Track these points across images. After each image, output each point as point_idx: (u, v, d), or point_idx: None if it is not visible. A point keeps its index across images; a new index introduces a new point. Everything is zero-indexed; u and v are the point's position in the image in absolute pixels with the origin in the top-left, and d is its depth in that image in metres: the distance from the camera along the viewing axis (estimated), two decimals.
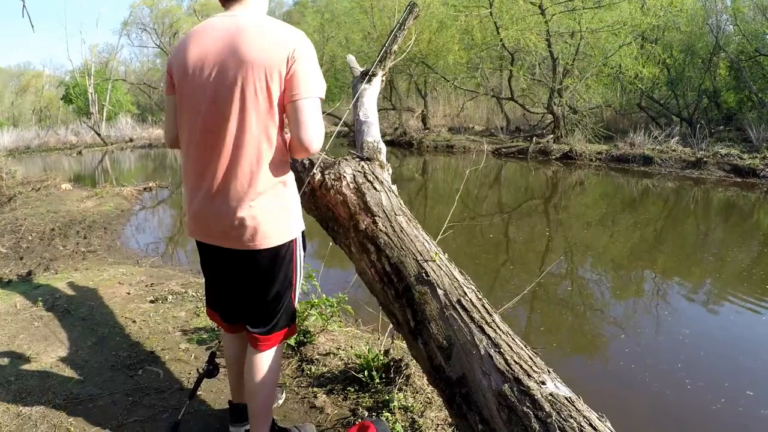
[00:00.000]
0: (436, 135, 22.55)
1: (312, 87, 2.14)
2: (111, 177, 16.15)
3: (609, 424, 1.78)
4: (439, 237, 3.65)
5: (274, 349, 2.48)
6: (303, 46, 2.14)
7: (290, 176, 2.33)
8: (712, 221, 10.12)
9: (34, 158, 22.94)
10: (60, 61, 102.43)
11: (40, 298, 5.06)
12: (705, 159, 14.04)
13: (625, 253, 7.98)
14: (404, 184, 14.63)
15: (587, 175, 14.74)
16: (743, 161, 13.54)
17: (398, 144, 22.24)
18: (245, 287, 2.43)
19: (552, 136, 18.74)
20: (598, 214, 10.80)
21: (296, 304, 2.53)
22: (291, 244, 2.35)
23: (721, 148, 14.54)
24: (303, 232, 2.46)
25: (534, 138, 18.73)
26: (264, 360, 2.47)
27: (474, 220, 9.81)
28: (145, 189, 12.94)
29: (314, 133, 2.14)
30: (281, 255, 2.33)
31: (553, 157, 17.02)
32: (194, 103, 2.21)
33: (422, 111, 25.35)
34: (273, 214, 2.24)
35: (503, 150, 18.61)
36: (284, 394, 3.34)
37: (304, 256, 2.50)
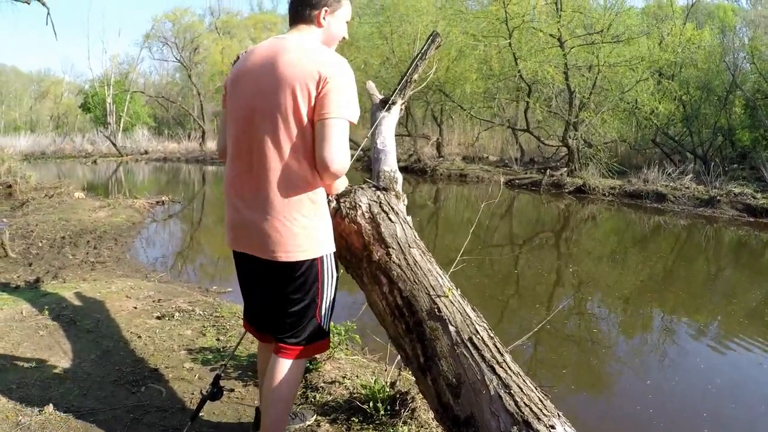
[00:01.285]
0: (450, 163, 22.59)
1: (342, 109, 2.21)
2: (124, 188, 16.21)
3: None
4: (450, 270, 3.63)
5: (293, 361, 2.52)
6: (339, 70, 2.24)
7: (320, 195, 2.38)
8: (724, 260, 10.05)
9: (48, 164, 23.14)
10: (80, 69, 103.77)
11: (46, 307, 5.04)
12: (718, 197, 13.97)
13: (635, 289, 7.91)
14: (416, 211, 14.58)
15: (599, 210, 14.70)
16: (756, 201, 13.48)
17: (412, 170, 22.26)
18: (271, 296, 2.53)
19: (566, 169, 18.72)
20: (609, 250, 10.75)
21: (324, 324, 2.55)
22: (315, 262, 2.40)
23: (735, 187, 14.47)
24: (334, 254, 2.50)
25: (548, 170, 18.72)
26: (282, 368, 2.51)
27: (485, 253, 9.76)
28: (157, 202, 12.98)
29: (336, 153, 2.20)
30: (305, 271, 2.40)
31: (566, 190, 16.99)
32: (236, 117, 2.38)
33: (437, 139, 25.43)
34: (298, 229, 2.32)
35: (516, 181, 18.61)
36: (314, 418, 3.31)
37: (336, 278, 2.53)
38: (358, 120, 2.30)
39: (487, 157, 24.92)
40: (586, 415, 4.35)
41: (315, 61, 2.23)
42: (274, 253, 2.35)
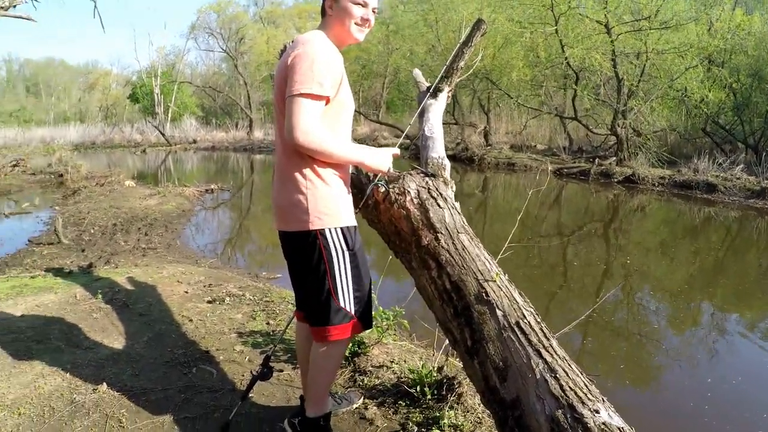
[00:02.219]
0: (497, 152, 22.38)
1: (296, 85, 2.33)
2: (173, 176, 16.48)
3: None
4: (498, 257, 3.64)
5: (325, 345, 2.63)
6: (298, 49, 2.39)
7: (316, 171, 2.48)
8: None
9: (98, 154, 23.66)
10: (127, 61, 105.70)
11: (99, 291, 5.20)
12: None
13: (684, 282, 7.77)
14: (464, 199, 14.54)
15: (649, 200, 14.43)
16: None
17: (460, 159, 22.15)
18: (294, 273, 2.74)
19: (615, 158, 18.41)
20: (658, 241, 10.56)
21: (346, 306, 2.58)
22: (315, 235, 2.48)
23: None
24: (345, 230, 2.55)
25: (596, 159, 18.45)
26: (315, 352, 2.67)
27: (533, 243, 9.70)
28: (206, 191, 13.18)
29: (295, 128, 2.32)
30: (307, 244, 2.51)
31: (615, 180, 16.72)
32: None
33: (485, 127, 25.24)
34: (293, 201, 2.49)
35: (564, 170, 18.37)
36: (361, 400, 3.37)
37: (348, 256, 2.56)
38: (334, 91, 2.41)
39: (535, 145, 24.61)
40: (631, 406, 4.31)
41: (291, 48, 2.45)
42: (283, 222, 2.58)
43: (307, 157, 2.43)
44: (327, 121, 2.43)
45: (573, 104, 20.98)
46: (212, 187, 13.43)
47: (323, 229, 2.48)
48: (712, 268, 8.55)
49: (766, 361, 5.38)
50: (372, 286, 2.80)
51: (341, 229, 2.53)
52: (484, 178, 19.05)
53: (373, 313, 3.79)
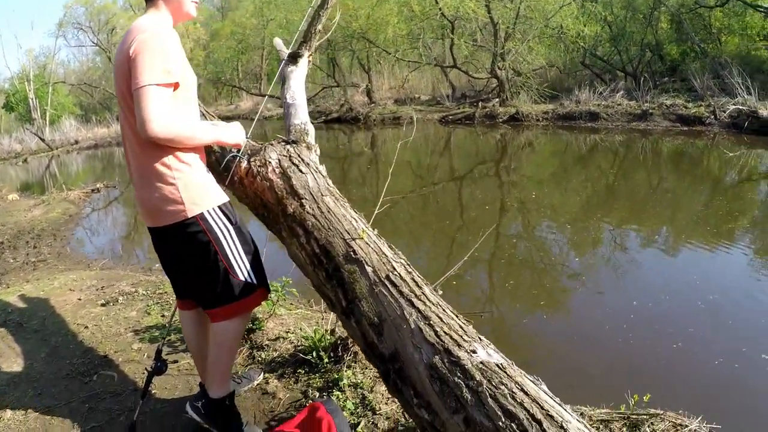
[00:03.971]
0: (382, 108, 22.46)
1: (139, 77, 2.23)
2: (59, 182, 15.75)
3: (545, 387, 1.80)
4: (375, 212, 3.69)
5: (227, 322, 2.61)
6: (138, 40, 2.27)
7: (176, 159, 2.40)
8: (663, 170, 10.30)
9: None
10: None
11: None
12: (651, 111, 14.26)
13: (580, 207, 8.09)
14: (355, 159, 14.67)
15: (536, 135, 14.89)
16: (688, 110, 13.80)
17: (345, 120, 22.22)
18: (178, 265, 2.65)
19: (497, 99, 18.82)
20: (549, 173, 10.92)
21: (247, 278, 2.59)
22: (196, 222, 2.44)
23: (666, 99, 14.76)
24: (223, 207, 2.54)
25: (480, 103, 18.82)
26: (216, 331, 2.64)
27: (428, 191, 9.84)
28: (92, 191, 12.65)
29: (146, 121, 2.22)
30: (188, 233, 2.46)
31: (500, 120, 17.14)
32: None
33: (366, 86, 25.22)
34: (163, 195, 2.40)
35: (450, 117, 18.68)
36: (261, 376, 3.38)
37: (233, 229, 2.55)
38: (180, 74, 2.34)
39: (419, 97, 24.85)
40: (545, 334, 4.42)
41: (127, 41, 2.32)
42: (156, 219, 2.48)
43: (167, 147, 2.35)
44: (178, 105, 2.36)
45: (452, 53, 21.25)
46: (98, 186, 12.90)
47: (202, 213, 2.44)
48: (605, 191, 8.92)
49: (665, 268, 5.67)
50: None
51: (219, 207, 2.51)
52: (372, 135, 19.15)
53: None
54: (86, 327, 4.54)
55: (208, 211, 2.46)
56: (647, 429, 2.53)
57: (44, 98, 33.88)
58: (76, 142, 27.65)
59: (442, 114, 19.24)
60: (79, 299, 5.24)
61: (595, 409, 2.78)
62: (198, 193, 2.44)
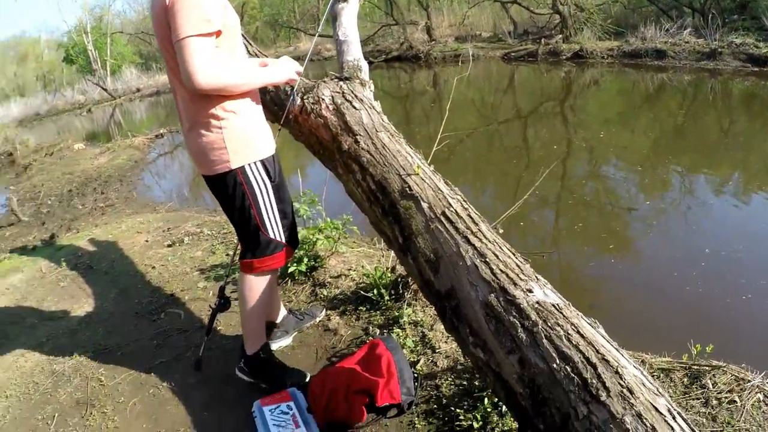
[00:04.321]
0: (443, 46, 21.83)
1: (180, 29, 2.17)
2: (124, 130, 16.05)
3: (602, 331, 1.75)
4: (434, 149, 3.64)
5: (251, 276, 2.68)
6: None
7: (222, 109, 2.38)
8: (734, 112, 9.78)
9: (45, 124, 22.93)
10: (54, 24, 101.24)
11: (63, 259, 5.20)
12: (720, 50, 13.49)
13: (648, 149, 7.77)
14: (417, 97, 14.50)
15: (601, 73, 14.37)
16: (759, 50, 12.97)
17: (405, 59, 21.74)
18: (223, 209, 2.69)
19: (560, 36, 18.20)
20: (616, 112, 10.57)
21: (275, 236, 2.62)
22: (235, 174, 2.45)
23: (736, 38, 13.96)
24: (266, 161, 2.53)
25: (542, 39, 18.22)
26: (242, 285, 2.71)
27: (493, 129, 9.66)
28: (156, 136, 12.86)
29: (191, 72, 2.16)
30: (229, 183, 2.48)
31: (564, 57, 16.55)
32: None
33: (426, 23, 24.68)
34: (209, 143, 2.40)
35: (512, 54, 18.14)
36: (323, 312, 3.45)
37: (270, 187, 2.56)
38: (221, 22, 2.27)
39: (480, 34, 24.21)
40: (608, 279, 4.34)
41: None
42: (202, 168, 2.51)
43: (214, 96, 2.34)
44: (222, 52, 2.31)
45: None
46: (162, 131, 13.09)
47: (243, 167, 2.45)
48: (674, 133, 8.56)
49: (744, 221, 5.33)
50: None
51: (261, 162, 2.51)
52: (434, 73, 18.75)
53: (322, 225, 3.81)
54: (153, 267, 4.70)
55: (249, 165, 2.46)
56: (708, 381, 2.47)
57: (103, 49, 34.36)
58: (138, 90, 28.12)
59: (504, 51, 18.69)
60: (146, 241, 5.39)
61: (656, 357, 2.74)
62: (242, 144, 2.44)
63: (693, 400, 2.41)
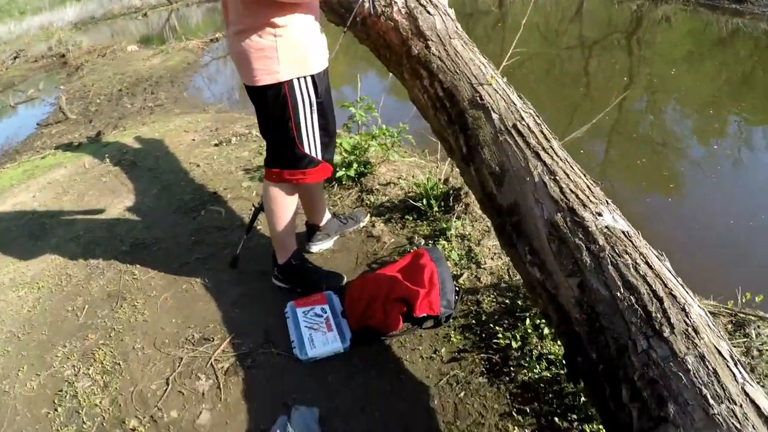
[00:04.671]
0: None
1: None
2: (179, 33, 15.91)
3: (668, 265, 1.63)
4: (502, 64, 3.47)
5: (277, 187, 2.64)
6: None
7: (284, 18, 2.25)
8: None
9: (100, 27, 22.84)
10: None
11: (107, 156, 5.19)
12: None
13: (710, 94, 7.49)
14: (481, 17, 14.17)
15: (674, 11, 13.69)
16: None
17: None
18: (260, 120, 2.61)
19: None
20: (684, 52, 10.13)
21: (311, 152, 2.55)
22: (282, 87, 2.35)
23: None
24: (316, 78, 2.43)
25: None
26: (268, 195, 2.67)
27: (554, 56, 9.35)
28: (211, 40, 12.68)
29: None
30: (272, 95, 2.39)
31: None
32: None
33: None
34: (256, 52, 2.29)
35: None
36: (368, 218, 3.40)
37: (315, 105, 2.47)
38: None
39: None
40: (661, 217, 4.27)
41: None
42: (243, 77, 2.41)
43: (271, 6, 2.22)
44: None
45: None
46: (217, 35, 12.86)
47: (291, 80, 2.36)
48: (741, 81, 8.18)
49: None
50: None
51: (312, 77, 2.41)
52: None
53: (377, 131, 3.68)
54: (198, 165, 4.66)
55: (298, 79, 2.37)
56: (752, 330, 2.39)
57: None
58: None
59: None
60: (193, 140, 5.35)
61: (703, 300, 2.65)
62: (295, 56, 2.33)
63: (734, 347, 2.32)
